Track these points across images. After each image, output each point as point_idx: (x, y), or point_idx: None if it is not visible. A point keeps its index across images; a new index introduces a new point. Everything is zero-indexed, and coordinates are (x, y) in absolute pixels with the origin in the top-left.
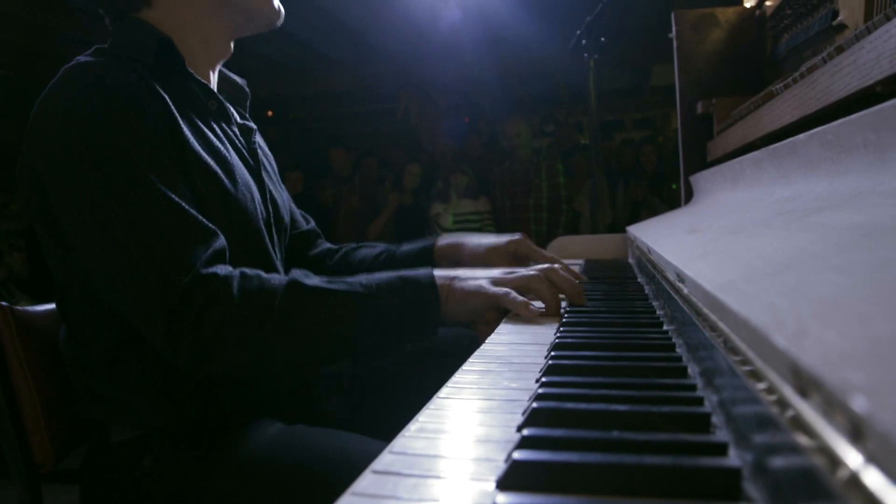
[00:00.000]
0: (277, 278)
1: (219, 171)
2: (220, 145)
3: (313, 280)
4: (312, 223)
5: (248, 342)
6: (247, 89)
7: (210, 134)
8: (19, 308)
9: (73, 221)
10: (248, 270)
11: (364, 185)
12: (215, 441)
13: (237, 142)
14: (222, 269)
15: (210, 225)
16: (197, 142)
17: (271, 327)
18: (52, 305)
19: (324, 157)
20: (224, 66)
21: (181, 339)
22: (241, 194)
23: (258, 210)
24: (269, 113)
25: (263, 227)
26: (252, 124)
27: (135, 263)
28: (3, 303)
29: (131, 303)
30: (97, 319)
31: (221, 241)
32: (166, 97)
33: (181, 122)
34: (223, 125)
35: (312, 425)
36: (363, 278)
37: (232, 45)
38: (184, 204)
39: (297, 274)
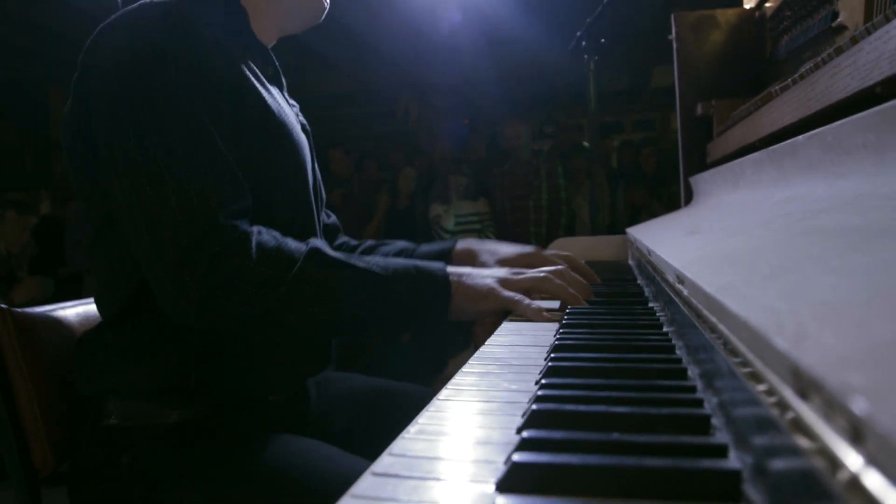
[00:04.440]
0: (295, 243)
1: (279, 121)
2: (280, 103)
3: (333, 252)
4: (334, 217)
5: (257, 299)
6: (283, 78)
7: (273, 90)
8: (19, 311)
9: (110, 145)
10: (265, 230)
11: (364, 187)
12: (197, 444)
13: (290, 109)
14: (242, 224)
15: (243, 182)
16: (259, 93)
17: (285, 290)
18: (53, 308)
19: (323, 159)
20: None
21: (188, 284)
22: (298, 150)
23: (308, 172)
24: None
25: (311, 189)
26: (294, 102)
27: (160, 197)
28: (3, 305)
29: (145, 239)
30: (120, 269)
31: (248, 201)
32: (230, 46)
33: (246, 73)
34: (278, 90)
35: (304, 435)
36: (380, 260)
37: (276, 33)
38: (224, 152)
39: (318, 243)
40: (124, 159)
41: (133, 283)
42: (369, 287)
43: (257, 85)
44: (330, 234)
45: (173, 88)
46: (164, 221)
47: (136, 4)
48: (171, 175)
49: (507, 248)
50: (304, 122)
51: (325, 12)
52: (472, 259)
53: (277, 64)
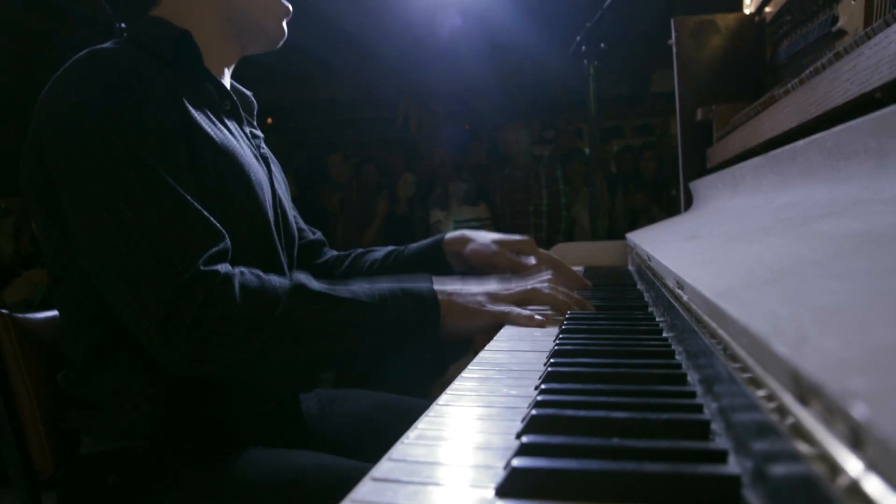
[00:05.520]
0: (278, 280)
1: (234, 161)
2: (234, 140)
3: (317, 285)
4: (319, 234)
5: (246, 343)
6: (254, 100)
7: (224, 129)
8: (20, 315)
9: (75, 206)
10: (247, 270)
11: (363, 192)
12: (183, 462)
13: (250, 143)
14: (223, 268)
15: (216, 224)
16: (212, 134)
17: (272, 329)
18: (53, 313)
19: (322, 165)
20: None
21: (176, 336)
22: (255, 188)
23: (269, 209)
24: (269, 120)
25: (273, 224)
26: (259, 132)
27: (135, 254)
28: (4, 310)
29: (127, 296)
30: (88, 311)
31: (226, 242)
32: (180, 89)
33: (194, 113)
34: (236, 125)
35: (298, 447)
36: (365, 286)
37: (236, 55)
38: (190, 199)
39: (301, 277)
40: (92, 220)
41: (101, 326)
42: (357, 316)
43: (207, 129)
44: (316, 250)
45: (130, 143)
46: (143, 277)
47: (85, 53)
48: (143, 230)
49: (498, 236)
50: (268, 153)
51: (284, 38)
52: (464, 243)
53: (246, 95)
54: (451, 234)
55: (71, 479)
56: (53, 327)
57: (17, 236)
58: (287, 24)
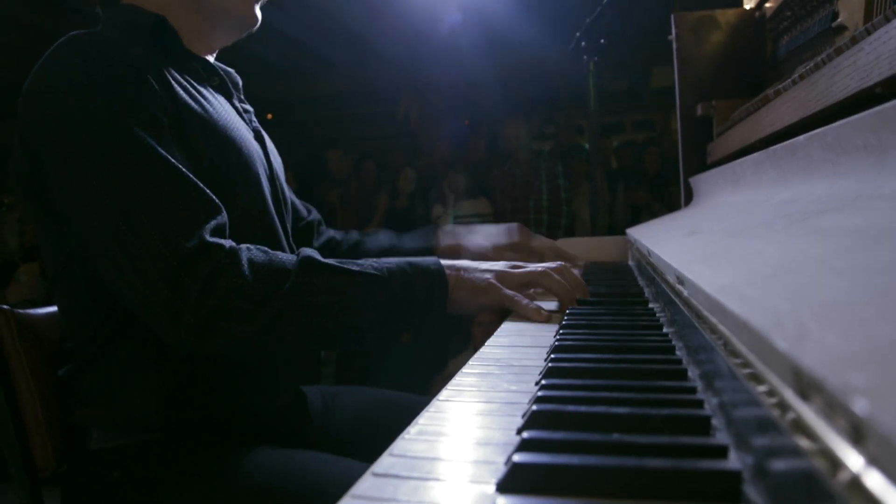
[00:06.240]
0: (285, 255)
1: (225, 134)
2: (224, 113)
3: (326, 259)
4: (315, 212)
5: (255, 317)
6: (238, 77)
7: (215, 102)
8: (21, 311)
9: (69, 189)
10: (253, 246)
11: (363, 188)
12: (189, 459)
13: (241, 117)
14: (227, 242)
15: (213, 196)
16: (200, 109)
17: (281, 302)
18: (55, 308)
19: (322, 160)
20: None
21: (183, 310)
22: (247, 159)
23: (264, 181)
24: (269, 116)
25: (270, 198)
26: (249, 106)
27: (135, 230)
28: (5, 306)
29: (129, 272)
30: (90, 302)
31: (224, 216)
32: (163, 66)
33: (179, 89)
34: (225, 100)
35: (302, 443)
36: (373, 261)
37: (209, 44)
38: (184, 170)
39: (309, 252)
40: (86, 199)
41: (104, 318)
42: (366, 289)
43: (194, 103)
44: (312, 230)
45: (118, 120)
46: (145, 253)
47: (63, 40)
48: (141, 206)
49: (494, 238)
50: (259, 127)
51: (258, 24)
52: (458, 255)
53: (230, 72)
54: (444, 239)
55: (75, 475)
56: (55, 323)
57: (22, 231)
58: (260, 8)
